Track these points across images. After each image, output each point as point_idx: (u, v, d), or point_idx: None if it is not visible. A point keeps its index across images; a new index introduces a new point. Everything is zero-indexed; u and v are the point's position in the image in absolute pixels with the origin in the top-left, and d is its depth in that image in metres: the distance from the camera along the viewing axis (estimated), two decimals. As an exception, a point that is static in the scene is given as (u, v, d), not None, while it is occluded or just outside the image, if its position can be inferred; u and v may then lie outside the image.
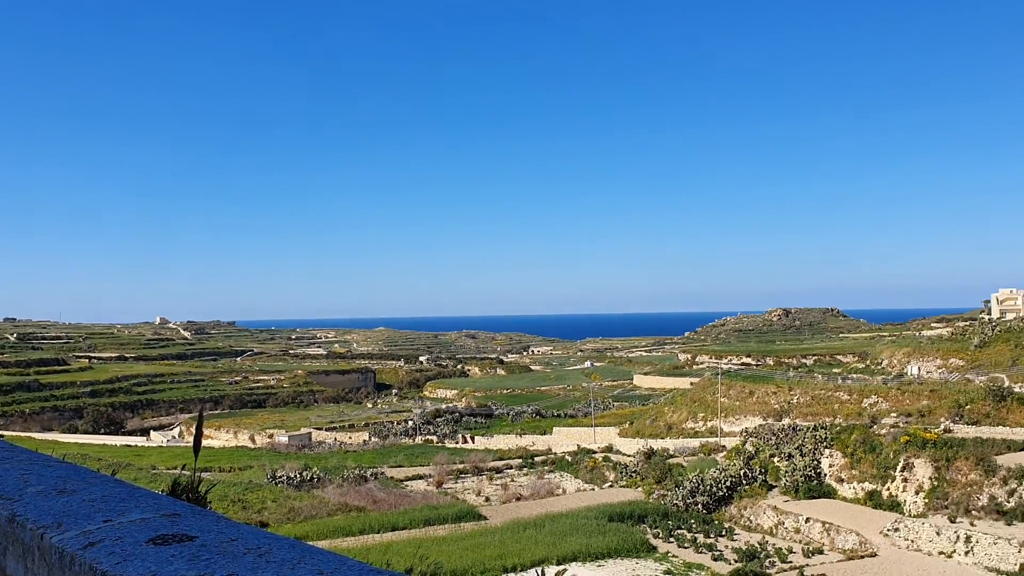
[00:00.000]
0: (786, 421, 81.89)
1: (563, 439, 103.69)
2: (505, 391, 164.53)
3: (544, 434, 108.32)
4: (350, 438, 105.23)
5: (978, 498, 49.54)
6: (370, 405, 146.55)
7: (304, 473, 65.68)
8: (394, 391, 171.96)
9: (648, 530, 53.88)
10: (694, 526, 56.12)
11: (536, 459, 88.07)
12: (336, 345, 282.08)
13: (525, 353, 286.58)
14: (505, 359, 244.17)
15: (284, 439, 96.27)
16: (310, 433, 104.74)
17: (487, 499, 67.47)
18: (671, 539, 52.04)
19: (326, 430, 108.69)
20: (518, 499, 65.37)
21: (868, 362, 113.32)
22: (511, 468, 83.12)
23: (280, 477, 63.59)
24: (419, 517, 53.23)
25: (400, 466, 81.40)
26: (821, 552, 48.87)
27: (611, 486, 73.95)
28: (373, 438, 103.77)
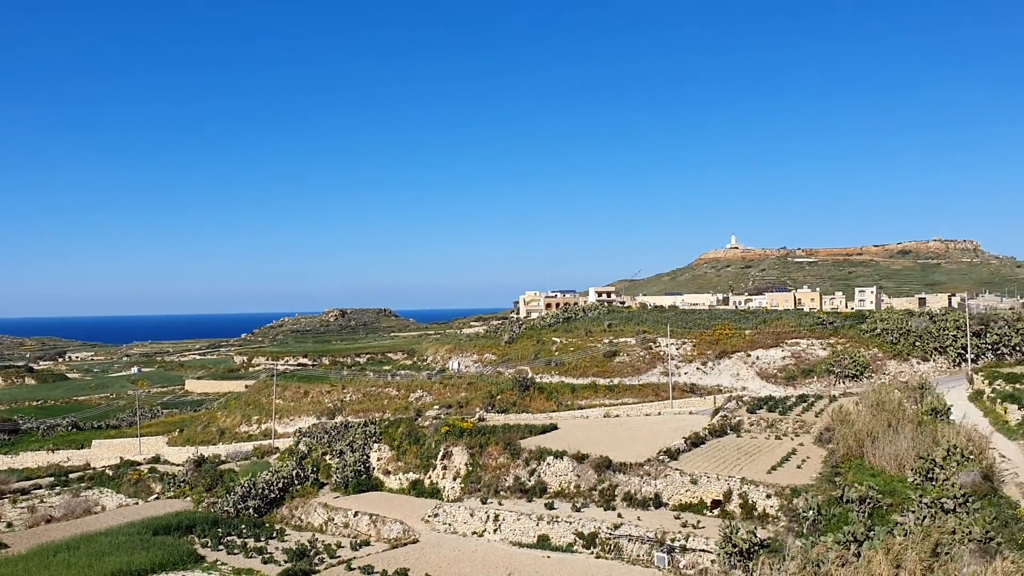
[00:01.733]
0: (339, 419, 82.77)
1: (104, 452, 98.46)
2: (35, 403, 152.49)
3: (82, 448, 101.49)
4: None
5: (505, 479, 53.91)
6: None
7: None
8: None
9: (196, 540, 52.02)
10: (245, 531, 55.01)
11: (72, 476, 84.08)
12: None
13: (61, 359, 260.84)
14: (36, 366, 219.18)
15: None
16: None
17: (9, 524, 63.20)
18: (220, 547, 50.40)
19: None
20: (48, 521, 61.23)
21: (415, 359, 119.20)
22: (40, 488, 77.73)
23: None
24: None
25: None
26: (368, 544, 49.84)
27: (157, 498, 70.59)
28: None
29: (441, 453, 60.68)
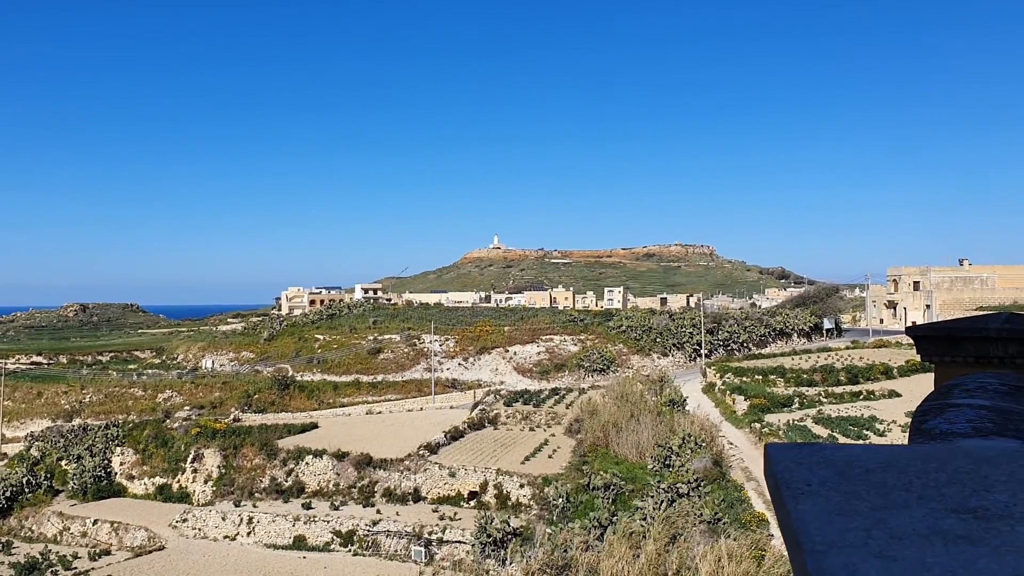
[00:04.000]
0: (77, 421, 76.24)
1: None
2: None
3: None
4: None
5: (261, 481, 52.10)
6: None
7: None
8: None
9: None
10: (-42, 550, 49.13)
11: None
12: None
13: None
14: None
15: None
16: None
17: None
18: (-78, 572, 44.83)
19: None
20: None
21: (165, 357, 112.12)
22: None
23: None
24: None
25: None
26: (109, 553, 46.59)
27: None
28: None
29: (192, 456, 57.63)
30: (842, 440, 41.11)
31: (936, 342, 8.10)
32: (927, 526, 1.29)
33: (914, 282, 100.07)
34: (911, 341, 8.49)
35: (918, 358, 8.23)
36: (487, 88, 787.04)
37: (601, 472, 39.61)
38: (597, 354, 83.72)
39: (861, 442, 39.40)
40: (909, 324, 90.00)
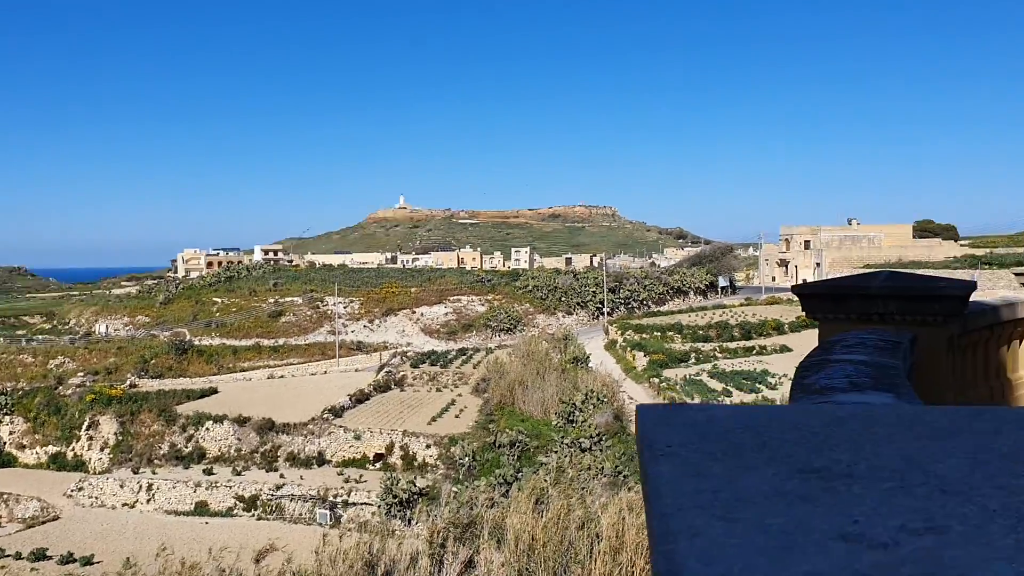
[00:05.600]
0: (-43, 393, 72.48)
1: None
2: None
3: None
4: None
5: (160, 447, 50.83)
6: None
7: None
8: None
9: None
10: None
11: None
12: None
13: None
14: None
15: None
16: None
17: None
18: None
19: None
20: None
21: (56, 322, 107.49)
22: None
23: None
24: None
25: None
26: (0, 526, 44.57)
27: None
28: None
29: (86, 423, 55.68)
30: (736, 394, 42.76)
31: (821, 300, 8.38)
32: (772, 487, 1.35)
33: (805, 241, 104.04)
34: (800, 298, 8.80)
35: (808, 314, 8.56)
36: (391, 48, 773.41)
37: (507, 430, 40.15)
38: (504, 314, 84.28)
39: (728, 402, 40.95)
40: (800, 282, 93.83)
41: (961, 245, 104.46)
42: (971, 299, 9.55)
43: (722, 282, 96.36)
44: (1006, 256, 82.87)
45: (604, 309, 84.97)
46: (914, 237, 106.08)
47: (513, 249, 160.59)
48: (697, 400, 42.53)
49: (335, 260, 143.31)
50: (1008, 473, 1.38)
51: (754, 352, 56.18)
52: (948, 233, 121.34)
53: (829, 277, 11.30)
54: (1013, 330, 10.40)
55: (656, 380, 48.49)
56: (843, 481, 1.35)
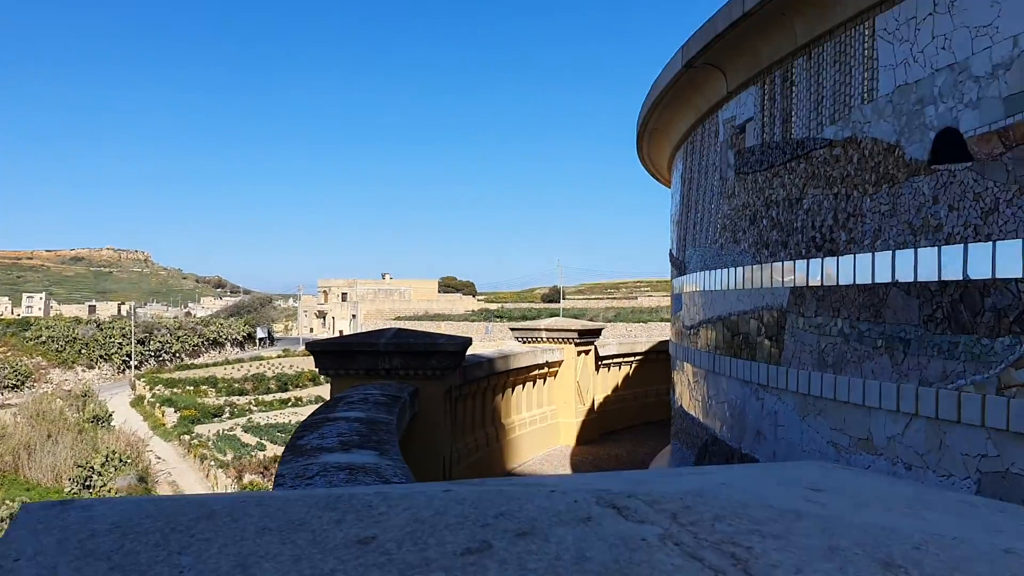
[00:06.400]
0: None
1: None
2: None
3: None
4: None
5: None
6: None
7: None
8: None
9: None
10: None
11: None
12: None
13: None
14: None
15: None
16: None
17: None
18: None
19: None
20: None
21: None
22: None
23: None
24: None
25: None
26: None
27: None
28: None
29: None
30: (270, 447, 43.12)
31: (333, 356, 9.15)
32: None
33: (342, 293, 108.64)
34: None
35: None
36: None
37: (7, 501, 35.63)
38: (10, 368, 74.36)
39: (261, 456, 41.09)
40: (338, 333, 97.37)
41: (478, 300, 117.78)
42: (473, 352, 11.08)
43: (260, 333, 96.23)
44: (514, 310, 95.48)
45: (132, 363, 79.56)
46: (439, 291, 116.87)
47: (25, 295, 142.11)
48: (229, 456, 42.08)
49: None
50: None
51: (290, 404, 57.14)
52: (468, 288, 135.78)
53: (364, 329, 12.54)
54: (507, 379, 12.42)
55: (187, 437, 46.92)
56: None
